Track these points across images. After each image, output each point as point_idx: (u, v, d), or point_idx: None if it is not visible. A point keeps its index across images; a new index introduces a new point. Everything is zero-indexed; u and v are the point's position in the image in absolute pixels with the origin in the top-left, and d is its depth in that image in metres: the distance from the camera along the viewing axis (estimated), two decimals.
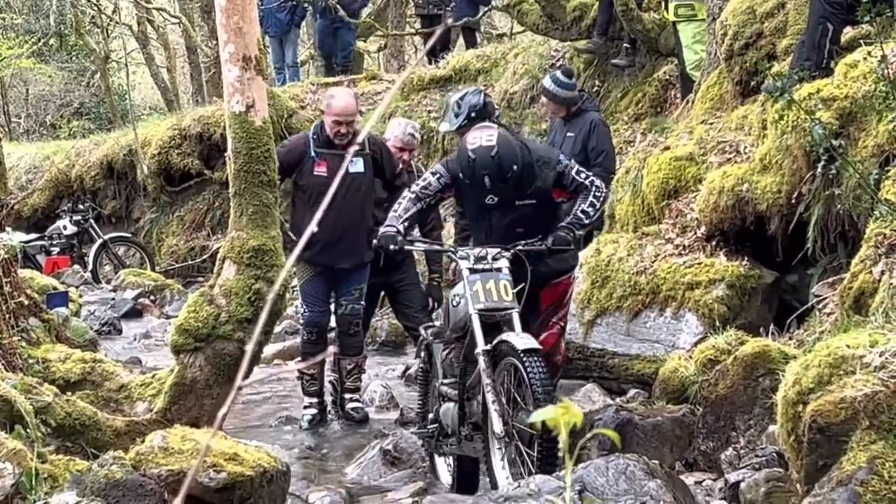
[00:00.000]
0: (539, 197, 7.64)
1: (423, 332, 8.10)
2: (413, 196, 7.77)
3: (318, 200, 9.15)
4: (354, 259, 9.41)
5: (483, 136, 7.46)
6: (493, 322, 7.02)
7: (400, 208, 7.75)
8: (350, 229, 9.29)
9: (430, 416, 7.77)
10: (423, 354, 8.04)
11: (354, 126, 9.42)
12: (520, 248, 7.42)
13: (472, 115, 9.13)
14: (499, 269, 7.15)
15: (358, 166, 9.30)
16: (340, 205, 9.18)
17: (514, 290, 7.11)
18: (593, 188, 7.66)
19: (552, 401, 6.55)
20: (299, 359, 10.62)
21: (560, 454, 6.76)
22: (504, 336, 6.83)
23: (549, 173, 7.62)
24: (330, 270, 9.42)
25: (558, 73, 10.53)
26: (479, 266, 7.14)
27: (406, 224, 7.76)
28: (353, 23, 19.75)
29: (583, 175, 7.71)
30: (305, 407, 9.61)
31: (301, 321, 9.76)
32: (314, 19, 21.40)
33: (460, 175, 7.55)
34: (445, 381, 7.57)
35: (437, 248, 7.70)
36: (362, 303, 9.57)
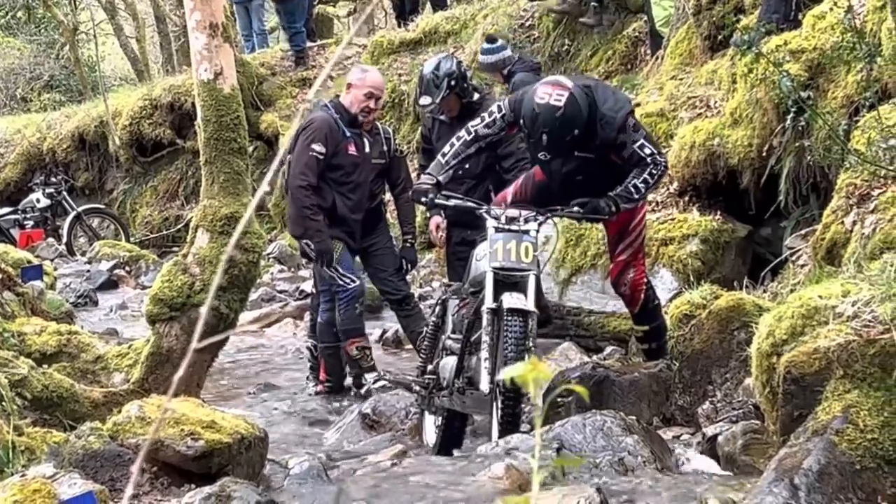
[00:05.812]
0: (598, 152, 7.25)
1: (442, 288, 8.03)
2: (470, 137, 7.35)
3: (348, 181, 9.15)
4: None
5: (553, 94, 7.03)
6: (513, 282, 6.88)
7: (449, 153, 7.35)
8: (364, 206, 9.36)
9: (430, 367, 7.77)
10: (437, 309, 7.99)
11: (380, 103, 9.50)
12: (556, 214, 7.30)
13: (452, 83, 9.21)
14: (525, 232, 6.94)
15: (367, 146, 9.33)
16: (362, 183, 9.27)
17: (536, 254, 6.95)
18: (651, 165, 7.20)
19: (521, 360, 6.54)
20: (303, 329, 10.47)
21: (521, 413, 6.77)
22: (504, 295, 6.75)
23: (611, 133, 7.16)
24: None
25: (483, 42, 10.63)
26: (506, 226, 6.98)
27: (450, 172, 7.36)
28: None
29: (646, 150, 7.19)
30: (373, 379, 9.38)
31: (344, 295, 9.22)
32: None
33: (521, 121, 7.18)
34: (452, 335, 7.55)
35: (471, 205, 7.42)
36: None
